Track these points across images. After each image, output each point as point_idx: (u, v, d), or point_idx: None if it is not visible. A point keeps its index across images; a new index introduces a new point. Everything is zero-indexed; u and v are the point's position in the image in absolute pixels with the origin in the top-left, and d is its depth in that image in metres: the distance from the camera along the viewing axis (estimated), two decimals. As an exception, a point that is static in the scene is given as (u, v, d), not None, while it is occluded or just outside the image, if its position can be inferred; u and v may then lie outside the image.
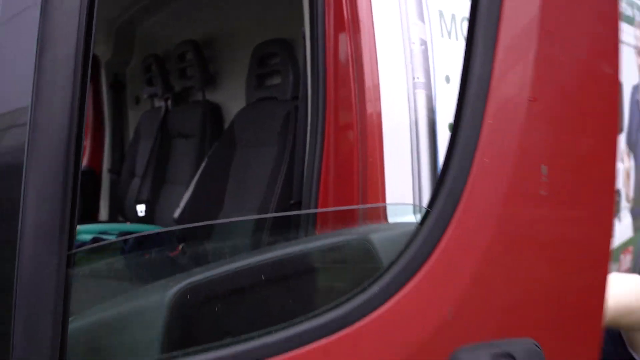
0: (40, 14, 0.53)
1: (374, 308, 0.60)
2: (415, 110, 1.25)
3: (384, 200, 1.10)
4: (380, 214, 1.03)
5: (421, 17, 1.31)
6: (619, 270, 3.05)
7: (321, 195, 1.17)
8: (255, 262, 0.67)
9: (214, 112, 2.56)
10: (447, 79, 1.37)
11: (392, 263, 0.62)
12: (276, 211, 1.55)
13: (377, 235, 0.70)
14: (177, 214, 2.10)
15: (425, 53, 1.29)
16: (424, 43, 1.29)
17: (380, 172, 1.16)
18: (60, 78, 0.53)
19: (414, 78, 1.25)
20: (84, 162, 3.19)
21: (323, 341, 0.59)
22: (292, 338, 0.59)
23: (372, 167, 1.14)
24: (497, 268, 0.61)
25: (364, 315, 0.60)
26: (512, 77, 0.59)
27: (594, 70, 0.61)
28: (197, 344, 0.61)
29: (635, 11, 3.36)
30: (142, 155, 2.87)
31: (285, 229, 1.02)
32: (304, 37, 1.31)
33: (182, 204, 2.13)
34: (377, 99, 1.18)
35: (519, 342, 0.62)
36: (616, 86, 0.62)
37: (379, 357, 0.60)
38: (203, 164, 2.22)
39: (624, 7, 3.23)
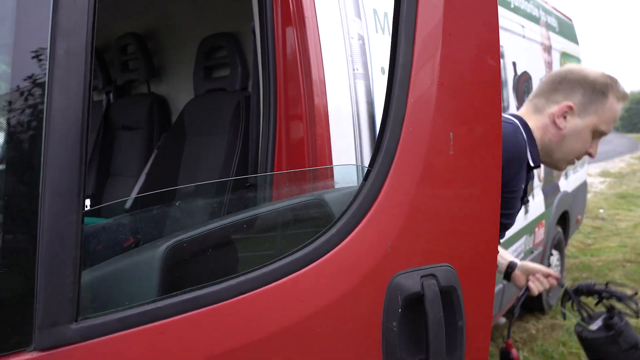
0: (53, 12, 0.64)
1: (332, 247, 0.78)
2: (356, 98, 1.37)
3: (333, 180, 1.22)
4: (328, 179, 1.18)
5: (358, 14, 1.45)
6: (534, 243, 3.48)
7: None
8: (237, 219, 0.82)
9: (161, 104, 2.59)
10: (382, 71, 1.51)
11: (344, 212, 0.79)
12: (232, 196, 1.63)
13: (328, 195, 0.87)
14: (128, 204, 2.10)
15: (363, 47, 1.44)
16: (361, 38, 1.44)
17: (329, 156, 1.25)
18: (76, 65, 0.64)
19: (354, 70, 1.39)
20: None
21: (294, 274, 0.76)
22: (268, 274, 0.75)
23: (321, 151, 1.23)
24: (422, 210, 0.81)
25: (325, 253, 0.77)
26: (426, 67, 0.79)
27: (482, 61, 0.83)
28: (187, 286, 0.74)
29: (541, 12, 3.77)
30: (84, 149, 2.76)
31: (246, 199, 1.13)
32: (253, 32, 1.37)
33: (134, 194, 2.15)
34: (323, 88, 1.28)
35: (439, 266, 0.82)
36: (498, 73, 0.84)
37: (338, 283, 0.77)
38: (153, 155, 2.26)
39: (531, 8, 3.56)
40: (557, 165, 1.43)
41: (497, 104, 0.83)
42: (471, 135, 0.83)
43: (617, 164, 16.78)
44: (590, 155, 1.35)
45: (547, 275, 1.65)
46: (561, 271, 4.26)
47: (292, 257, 0.76)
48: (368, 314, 0.80)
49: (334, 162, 1.27)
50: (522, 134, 1.37)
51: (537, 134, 1.40)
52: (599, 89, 1.31)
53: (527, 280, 1.66)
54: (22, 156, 0.65)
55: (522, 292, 1.71)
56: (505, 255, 1.76)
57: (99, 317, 0.68)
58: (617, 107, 1.33)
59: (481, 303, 0.89)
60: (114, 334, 0.68)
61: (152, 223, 0.80)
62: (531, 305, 3.88)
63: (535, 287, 1.64)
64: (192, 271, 0.81)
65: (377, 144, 0.81)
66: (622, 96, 1.32)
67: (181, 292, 0.72)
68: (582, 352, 3.21)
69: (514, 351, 1.83)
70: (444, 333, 0.81)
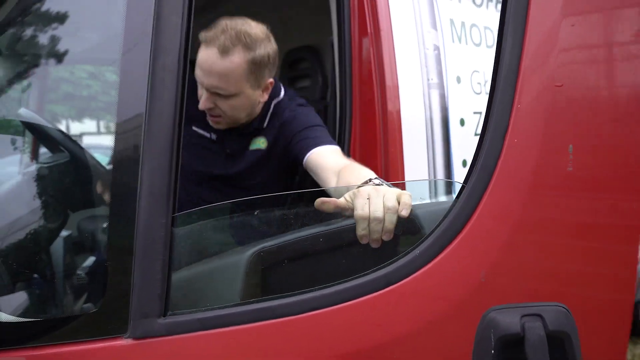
0: (153, 32, 0.71)
1: (416, 269, 0.70)
2: (430, 108, 1.39)
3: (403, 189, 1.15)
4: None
5: (434, 25, 1.46)
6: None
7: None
8: (316, 232, 0.80)
9: None
10: (458, 80, 1.50)
11: (432, 232, 0.71)
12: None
13: (420, 210, 0.79)
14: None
15: (438, 57, 1.44)
16: (437, 48, 1.45)
17: (400, 163, 1.27)
18: (169, 79, 0.69)
19: (428, 79, 1.39)
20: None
21: (371, 295, 0.70)
22: (343, 292, 0.71)
23: (393, 158, 1.26)
24: (528, 236, 0.68)
25: (407, 275, 0.70)
26: (539, 67, 0.66)
27: (622, 57, 0.66)
28: (268, 294, 0.75)
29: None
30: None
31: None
32: (331, 45, 1.43)
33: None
34: (397, 98, 1.30)
35: (548, 304, 0.68)
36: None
37: (420, 311, 0.70)
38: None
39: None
40: None
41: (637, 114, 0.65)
42: (599, 149, 0.67)
43: None
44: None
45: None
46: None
47: (369, 277, 0.71)
48: (455, 350, 0.70)
49: (406, 169, 1.30)
50: None
51: None
52: None
53: None
54: (123, 162, 0.73)
55: None
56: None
57: (183, 315, 0.73)
58: (201, 55, 1.21)
59: (609, 356, 0.71)
60: (193, 332, 0.72)
61: (240, 229, 0.83)
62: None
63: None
64: (275, 278, 0.81)
65: (474, 156, 0.70)
66: (204, 39, 1.20)
67: (257, 300, 0.73)
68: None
69: None
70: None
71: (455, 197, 0.71)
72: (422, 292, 0.70)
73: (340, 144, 1.34)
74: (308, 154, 1.24)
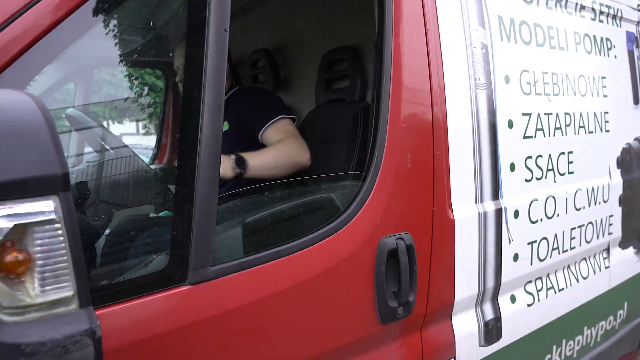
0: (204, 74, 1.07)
1: (349, 221, 1.29)
2: (477, 109, 1.38)
3: (449, 188, 1.41)
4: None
5: (482, 23, 1.44)
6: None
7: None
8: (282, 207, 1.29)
9: None
10: (507, 80, 1.49)
11: (353, 200, 1.31)
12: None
13: (335, 193, 1.38)
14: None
15: (485, 56, 1.43)
16: (484, 47, 1.43)
17: (446, 164, 1.35)
18: (218, 107, 1.07)
19: (475, 79, 1.40)
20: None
21: (321, 242, 1.24)
22: (315, 237, 1.23)
23: (438, 162, 1.34)
24: (395, 200, 1.37)
25: (344, 225, 1.28)
26: (396, 115, 1.37)
27: (422, 115, 1.45)
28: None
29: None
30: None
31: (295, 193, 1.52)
32: (375, 45, 1.41)
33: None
34: (443, 98, 1.33)
35: (405, 233, 1.38)
36: (429, 123, 1.47)
37: (351, 246, 1.28)
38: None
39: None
40: None
41: (430, 139, 1.46)
42: (418, 156, 1.43)
43: None
44: None
45: None
46: None
47: (328, 227, 1.25)
48: (367, 261, 1.32)
49: (451, 171, 1.40)
50: None
51: None
52: None
53: None
54: (186, 162, 1.04)
55: None
56: None
57: (225, 263, 1.08)
58: None
59: (423, 255, 1.47)
60: (233, 273, 1.09)
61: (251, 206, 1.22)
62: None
63: None
64: (266, 234, 1.25)
65: (368, 160, 1.35)
66: None
67: (268, 248, 1.16)
68: None
69: None
70: (409, 273, 1.36)
71: (362, 181, 1.34)
72: (352, 233, 1.29)
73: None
74: (261, 132, 1.79)
